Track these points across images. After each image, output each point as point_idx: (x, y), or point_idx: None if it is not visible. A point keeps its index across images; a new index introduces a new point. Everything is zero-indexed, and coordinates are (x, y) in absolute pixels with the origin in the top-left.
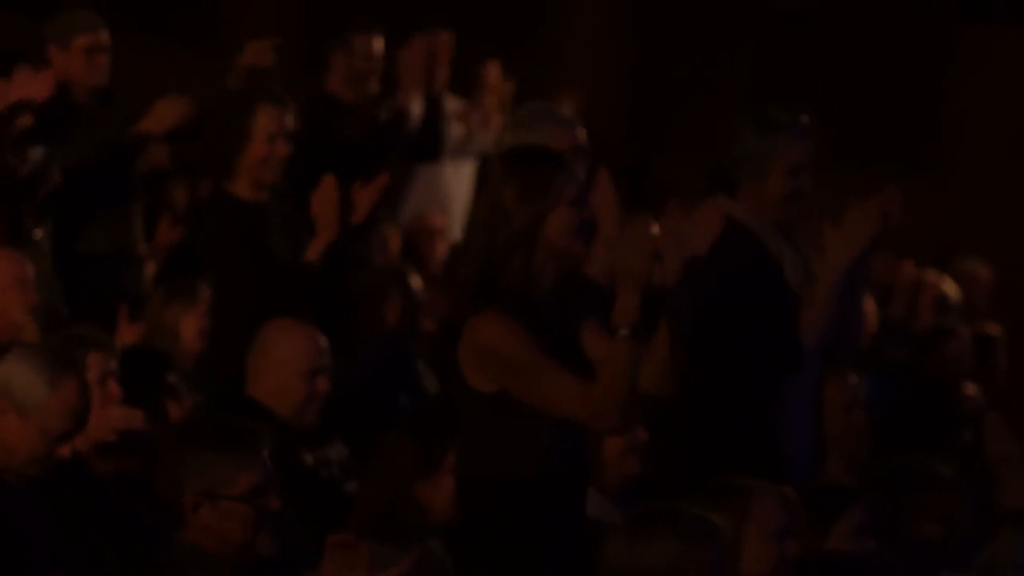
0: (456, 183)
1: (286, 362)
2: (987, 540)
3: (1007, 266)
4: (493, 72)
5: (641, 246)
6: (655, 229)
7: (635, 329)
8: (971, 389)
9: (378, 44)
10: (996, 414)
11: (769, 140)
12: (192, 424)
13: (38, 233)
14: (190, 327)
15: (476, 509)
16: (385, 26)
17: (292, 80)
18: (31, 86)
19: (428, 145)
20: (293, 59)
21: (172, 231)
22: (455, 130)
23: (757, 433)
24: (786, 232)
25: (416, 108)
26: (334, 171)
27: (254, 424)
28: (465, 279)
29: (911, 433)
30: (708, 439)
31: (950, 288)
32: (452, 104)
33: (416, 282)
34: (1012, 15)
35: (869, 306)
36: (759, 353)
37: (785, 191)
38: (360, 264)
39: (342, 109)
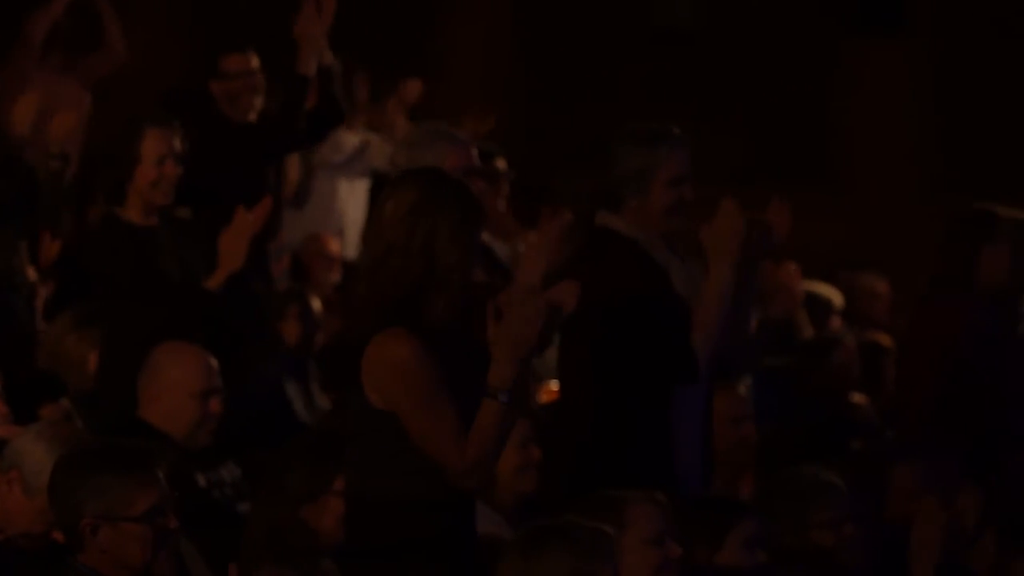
0: (350, 202)
1: (178, 384)
2: (876, 549)
3: (898, 277)
4: (413, 89)
5: (528, 317)
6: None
7: (510, 393)
8: (859, 398)
9: (250, 61)
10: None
11: (648, 155)
12: (87, 448)
13: None
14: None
15: (367, 529)
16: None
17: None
18: None
19: (327, 114)
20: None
21: (52, 247)
22: (350, 141)
23: (650, 446)
24: (672, 243)
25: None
26: (228, 194)
27: (149, 444)
28: (370, 299)
29: (799, 443)
30: (601, 453)
31: (835, 297)
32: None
33: (316, 303)
34: (892, 28)
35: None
36: (652, 366)
37: (668, 203)
38: (253, 285)
39: (234, 128)
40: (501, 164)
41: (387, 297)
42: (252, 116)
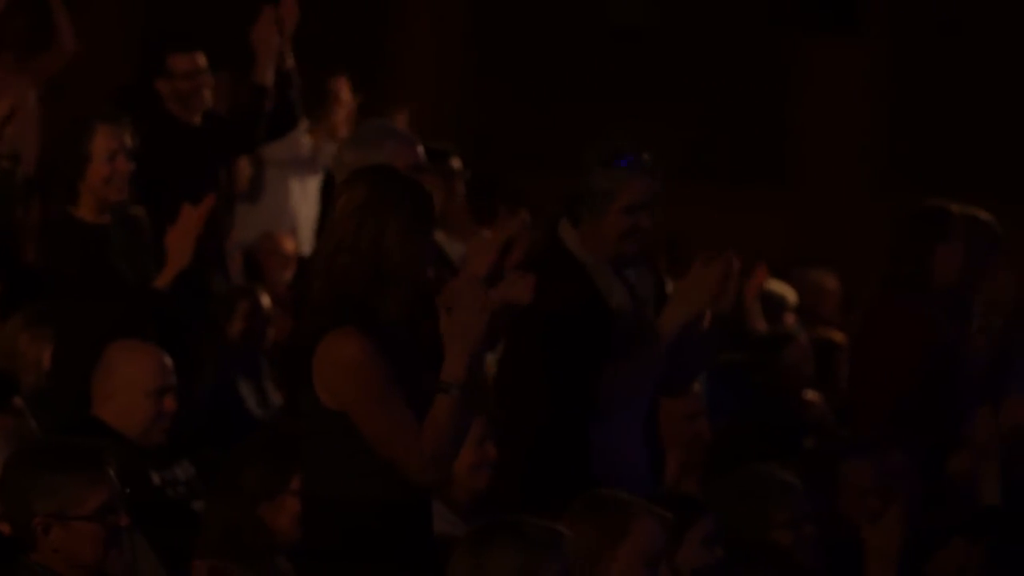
0: (302, 199)
1: (132, 382)
2: (833, 547)
3: (851, 274)
4: (344, 87)
5: (476, 307)
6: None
7: (463, 387)
8: (812, 396)
9: (197, 60)
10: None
11: (611, 178)
12: (36, 447)
13: None
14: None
15: (322, 529)
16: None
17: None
18: None
19: (283, 118)
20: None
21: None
22: (305, 141)
23: (592, 444)
24: (621, 268)
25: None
26: (177, 192)
27: (98, 442)
28: (321, 297)
29: (752, 440)
30: (545, 451)
31: (789, 294)
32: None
33: (265, 300)
34: (845, 27)
35: None
36: (565, 390)
37: (621, 229)
38: (211, 282)
39: (181, 127)
40: (456, 163)
41: (338, 295)
42: (198, 117)
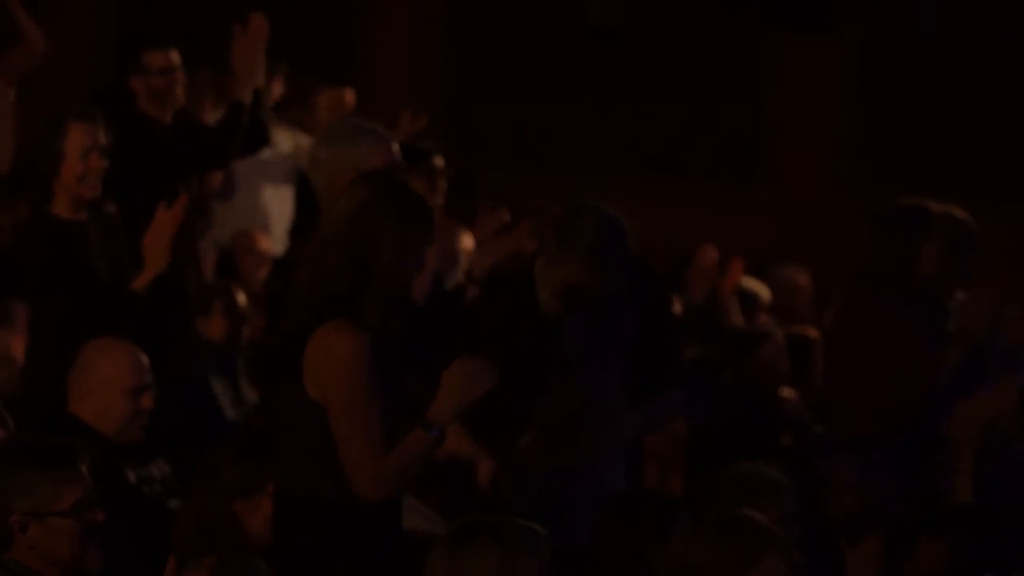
0: (275, 197)
1: (109, 380)
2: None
3: (825, 272)
4: (319, 89)
5: (482, 379)
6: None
7: (443, 433)
8: (788, 393)
9: (171, 57)
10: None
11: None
12: (10, 446)
13: None
14: (21, 349)
15: (295, 526)
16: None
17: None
18: None
19: (255, 136)
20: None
21: None
22: (282, 142)
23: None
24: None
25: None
26: (150, 191)
27: (71, 439)
28: (313, 293)
29: (728, 437)
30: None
31: (763, 291)
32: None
33: (241, 298)
34: (819, 25)
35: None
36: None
37: None
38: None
39: (154, 127)
40: (439, 162)
41: (326, 292)
42: (169, 115)
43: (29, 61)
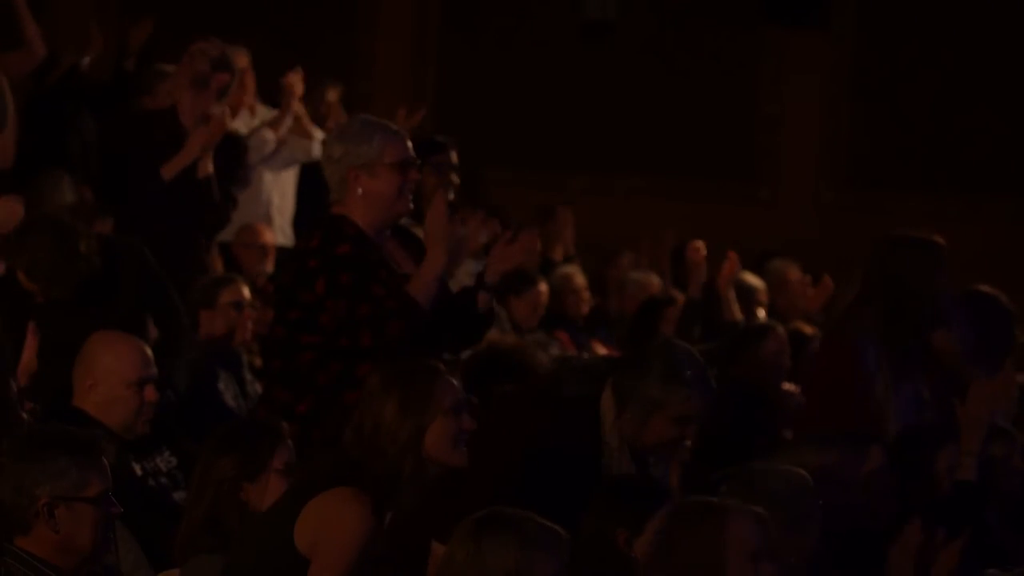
0: (276, 189)
1: (113, 373)
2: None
3: (819, 268)
4: (296, 81)
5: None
6: None
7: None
8: (789, 387)
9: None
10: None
11: (669, 389)
12: (38, 432)
13: None
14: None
15: None
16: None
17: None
18: None
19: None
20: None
21: None
22: (268, 137)
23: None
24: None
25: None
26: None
27: (91, 432)
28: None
29: (729, 432)
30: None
31: (761, 287)
32: (263, 112)
33: (246, 292)
34: (817, 21)
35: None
36: None
37: (668, 436)
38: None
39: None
40: (454, 156)
41: (343, 459)
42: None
43: (29, 64)
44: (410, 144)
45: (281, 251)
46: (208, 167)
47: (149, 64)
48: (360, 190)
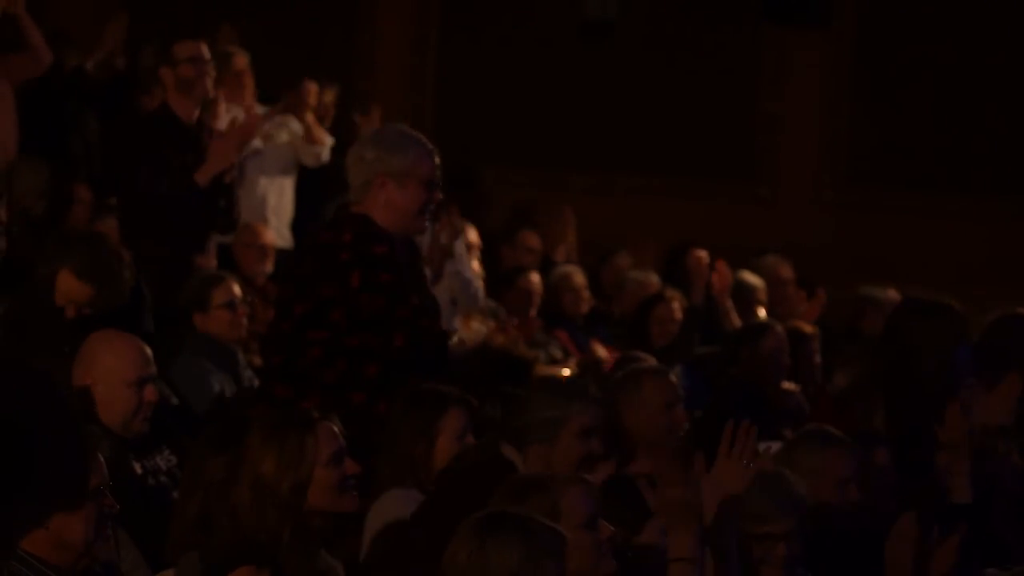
0: (273, 189)
1: (112, 372)
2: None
3: (817, 267)
4: (312, 90)
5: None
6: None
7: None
8: (789, 386)
9: (201, 49)
10: (957, 404)
11: (562, 407)
12: None
13: None
14: None
15: None
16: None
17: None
18: None
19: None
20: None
21: None
22: (279, 138)
23: None
24: None
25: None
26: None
27: (86, 427)
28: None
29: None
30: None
31: (760, 285)
32: (261, 112)
33: (238, 290)
34: (817, 20)
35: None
36: None
37: (575, 456)
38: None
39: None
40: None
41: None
42: (194, 109)
43: (34, 70)
44: (438, 161)
45: (280, 253)
46: (233, 172)
47: (147, 64)
48: (384, 198)
